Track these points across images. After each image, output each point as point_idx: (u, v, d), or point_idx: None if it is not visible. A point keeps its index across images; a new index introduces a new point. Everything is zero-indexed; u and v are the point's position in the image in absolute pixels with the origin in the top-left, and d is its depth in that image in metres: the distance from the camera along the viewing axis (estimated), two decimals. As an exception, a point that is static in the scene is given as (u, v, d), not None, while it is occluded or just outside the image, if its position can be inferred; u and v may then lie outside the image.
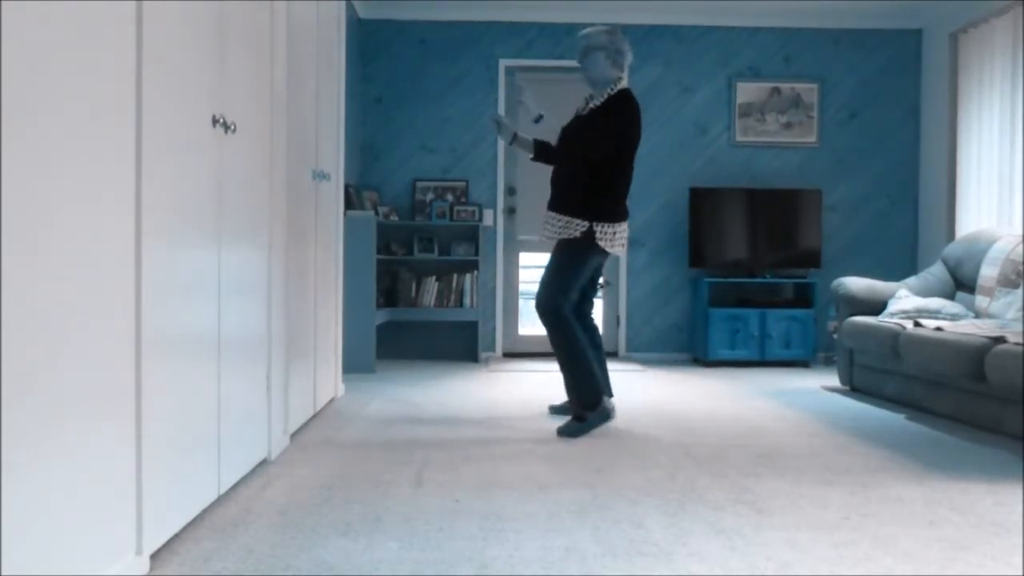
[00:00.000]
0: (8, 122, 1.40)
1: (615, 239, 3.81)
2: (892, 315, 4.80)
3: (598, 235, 3.76)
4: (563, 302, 3.78)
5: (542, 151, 4.02)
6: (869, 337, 4.67)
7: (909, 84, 6.70)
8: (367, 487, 2.77)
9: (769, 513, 2.52)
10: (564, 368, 3.80)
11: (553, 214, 3.87)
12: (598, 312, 7.03)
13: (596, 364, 3.83)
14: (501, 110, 6.59)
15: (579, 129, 3.84)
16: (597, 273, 4.04)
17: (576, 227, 3.77)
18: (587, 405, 3.73)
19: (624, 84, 3.85)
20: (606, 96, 3.81)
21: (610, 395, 3.96)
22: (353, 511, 2.51)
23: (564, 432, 3.65)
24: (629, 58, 3.91)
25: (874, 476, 2.98)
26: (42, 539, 1.54)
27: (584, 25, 6.54)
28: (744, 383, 5.32)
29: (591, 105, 3.87)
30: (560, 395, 4.58)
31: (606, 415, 3.75)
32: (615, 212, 3.81)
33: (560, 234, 3.82)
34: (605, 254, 3.85)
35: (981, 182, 5.87)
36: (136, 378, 1.92)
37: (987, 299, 4.73)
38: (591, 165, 3.76)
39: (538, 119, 3.95)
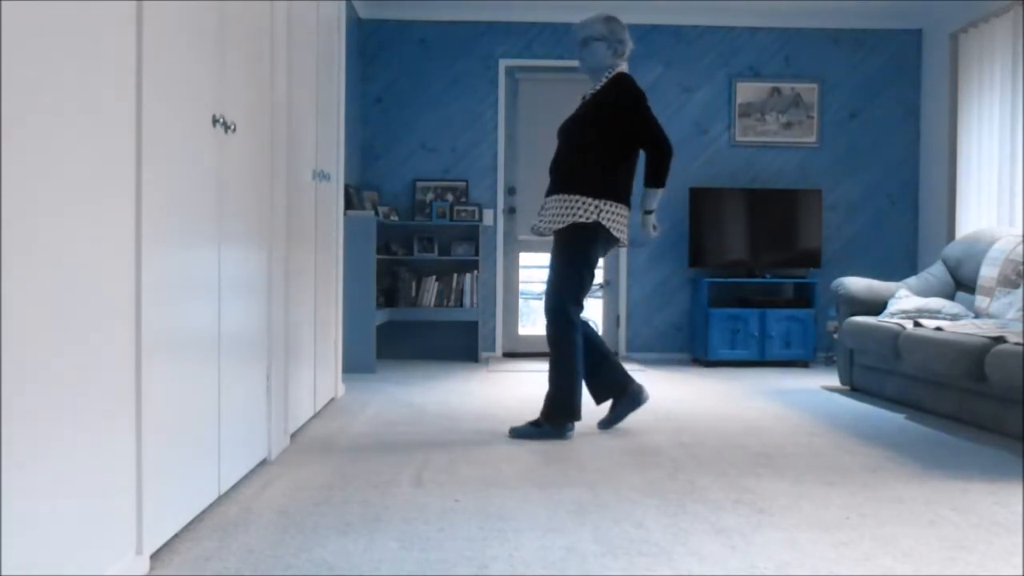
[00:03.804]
0: (8, 122, 1.40)
1: (622, 224, 3.67)
2: (892, 315, 4.80)
3: (605, 216, 3.60)
4: (573, 305, 3.67)
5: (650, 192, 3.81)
6: (869, 337, 4.67)
7: (909, 84, 6.70)
8: (367, 487, 2.77)
9: (769, 513, 2.52)
10: (552, 374, 3.69)
11: (555, 197, 3.68)
12: (598, 312, 7.04)
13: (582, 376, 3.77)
14: (501, 110, 6.59)
15: (583, 118, 3.71)
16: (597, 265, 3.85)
17: (584, 208, 3.59)
18: (553, 416, 3.64)
19: (620, 68, 3.76)
20: (604, 80, 3.73)
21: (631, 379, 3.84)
22: (353, 511, 2.51)
23: (515, 432, 3.63)
24: (630, 46, 3.80)
25: (874, 476, 2.98)
26: (42, 539, 1.54)
27: (584, 25, 6.57)
28: (744, 383, 5.32)
29: (591, 91, 3.77)
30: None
31: (562, 432, 3.62)
32: (621, 195, 3.67)
33: (564, 219, 3.62)
34: (613, 241, 3.69)
35: (981, 182, 5.87)
36: (136, 378, 1.92)
37: (987, 299, 4.73)
38: (597, 147, 3.63)
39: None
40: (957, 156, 6.21)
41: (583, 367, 3.76)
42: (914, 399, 4.39)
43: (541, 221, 3.77)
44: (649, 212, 3.77)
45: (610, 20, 3.77)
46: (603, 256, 3.85)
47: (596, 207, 3.60)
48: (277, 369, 3.17)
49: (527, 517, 2.46)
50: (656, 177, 3.69)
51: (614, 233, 3.65)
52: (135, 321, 1.91)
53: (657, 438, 3.62)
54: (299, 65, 3.55)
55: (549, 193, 3.76)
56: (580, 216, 3.61)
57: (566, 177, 3.69)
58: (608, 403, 3.88)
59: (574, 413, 3.67)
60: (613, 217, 3.64)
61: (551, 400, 3.68)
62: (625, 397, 3.81)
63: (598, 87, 3.76)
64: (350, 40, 5.79)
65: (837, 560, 2.12)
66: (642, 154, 3.73)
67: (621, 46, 3.77)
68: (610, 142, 3.66)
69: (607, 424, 3.82)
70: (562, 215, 3.65)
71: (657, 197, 3.75)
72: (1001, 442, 3.61)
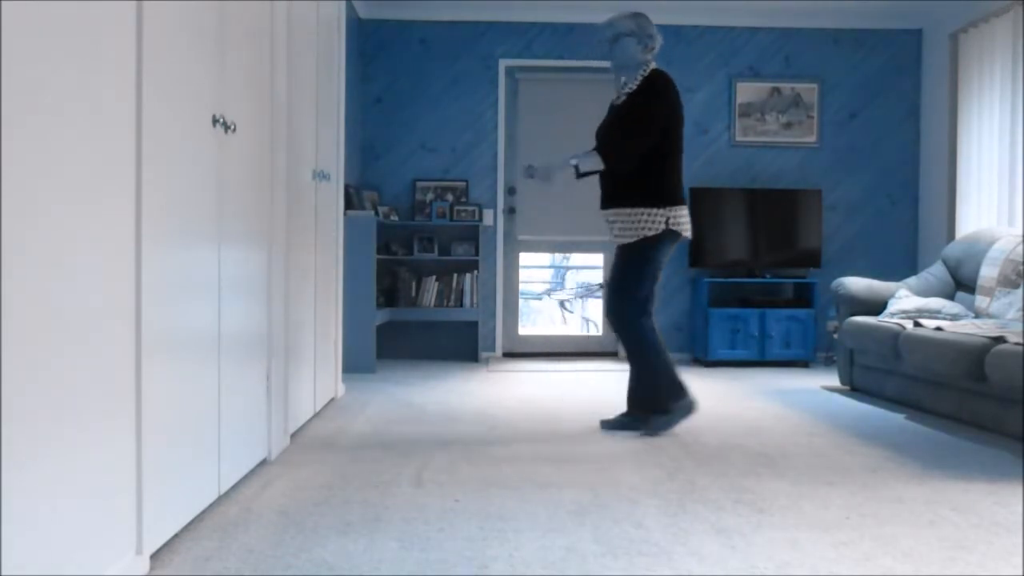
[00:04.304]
0: (8, 122, 1.40)
1: (687, 223, 3.73)
2: (892, 315, 4.80)
3: (673, 222, 3.65)
4: (635, 308, 3.67)
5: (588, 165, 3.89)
6: (869, 337, 4.67)
7: (909, 84, 6.70)
8: (367, 487, 2.77)
9: (769, 513, 2.52)
10: (644, 371, 3.71)
11: (623, 210, 3.68)
12: (598, 312, 7.04)
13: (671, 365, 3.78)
14: (501, 110, 6.59)
15: (616, 120, 3.73)
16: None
17: (655, 219, 3.62)
18: (672, 401, 3.66)
19: (654, 65, 3.75)
20: (639, 79, 3.71)
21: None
22: (353, 511, 2.51)
23: (655, 428, 3.65)
24: (660, 41, 3.78)
25: (874, 476, 2.98)
26: (42, 539, 1.54)
27: (584, 25, 6.56)
28: (744, 383, 5.32)
29: (626, 90, 3.76)
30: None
31: (688, 409, 3.68)
32: (678, 196, 3.71)
33: (636, 233, 3.65)
34: (677, 239, 3.72)
35: (981, 182, 5.87)
36: (136, 378, 1.92)
37: (987, 299, 4.73)
38: (651, 153, 3.63)
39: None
40: (957, 156, 6.21)
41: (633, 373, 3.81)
42: (914, 399, 4.39)
43: (615, 235, 3.75)
44: (577, 170, 3.69)
45: (637, 16, 3.78)
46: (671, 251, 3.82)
47: (663, 216, 3.64)
48: (277, 369, 3.17)
49: (527, 517, 2.46)
50: (605, 157, 3.66)
51: (683, 234, 3.72)
52: (135, 321, 1.91)
53: (657, 438, 3.61)
54: (299, 65, 3.55)
55: (608, 205, 3.74)
56: (651, 229, 3.64)
57: (623, 188, 3.69)
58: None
59: (678, 390, 3.68)
60: (679, 221, 3.69)
61: (648, 393, 3.69)
62: (647, 418, 3.80)
63: (633, 87, 3.73)
64: (350, 40, 5.79)
65: (837, 560, 2.12)
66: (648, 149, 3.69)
67: (651, 41, 3.76)
68: (661, 142, 3.66)
69: (609, 427, 3.82)
70: (632, 230, 3.66)
71: (593, 164, 3.67)
72: (1001, 442, 3.61)
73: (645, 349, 3.71)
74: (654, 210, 3.64)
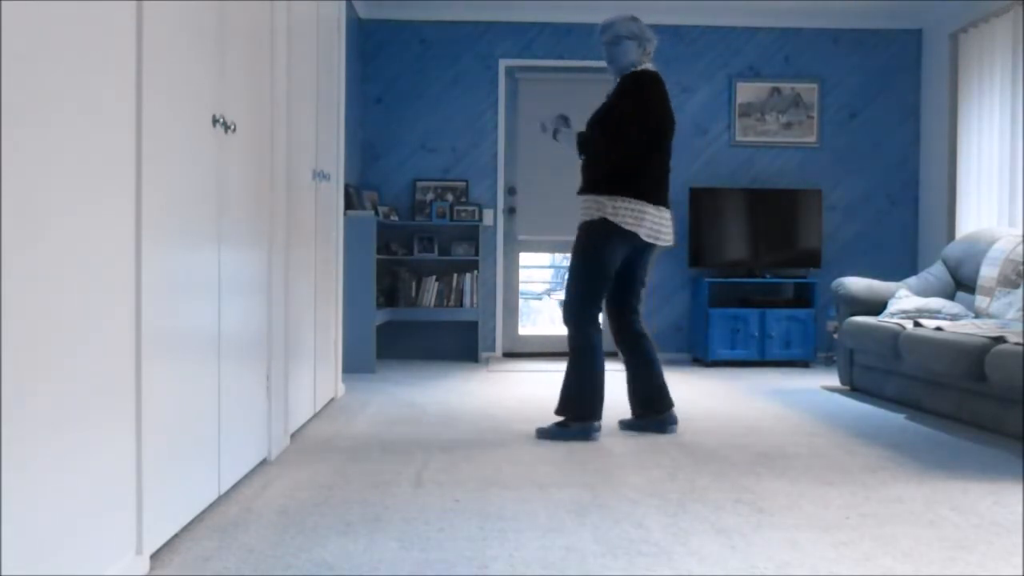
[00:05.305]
0: (8, 122, 1.40)
1: (637, 219, 3.54)
2: (892, 315, 4.80)
3: (620, 212, 3.52)
4: (587, 309, 3.61)
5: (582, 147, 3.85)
6: (869, 337, 4.67)
7: (909, 84, 6.70)
8: (367, 487, 2.77)
9: (769, 513, 2.52)
10: (569, 373, 3.63)
11: (580, 198, 3.68)
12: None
13: (635, 380, 3.73)
14: (501, 110, 6.59)
15: (596, 119, 3.72)
16: (639, 266, 3.74)
17: (596, 206, 3.58)
18: (574, 416, 3.58)
19: (646, 66, 3.71)
20: (619, 79, 3.71)
21: (671, 405, 3.75)
22: (353, 511, 2.51)
23: (542, 433, 3.61)
24: (655, 44, 3.77)
25: (874, 476, 2.98)
26: (42, 539, 1.54)
27: (584, 25, 6.56)
28: (744, 383, 5.32)
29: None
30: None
31: (587, 433, 3.55)
32: (643, 190, 3.56)
33: (581, 219, 3.65)
34: (629, 236, 3.56)
35: (981, 182, 5.87)
36: (136, 378, 1.92)
37: (987, 299, 4.73)
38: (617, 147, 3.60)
39: (555, 132, 3.88)
40: (957, 156, 6.21)
41: (630, 375, 3.78)
42: (914, 399, 4.39)
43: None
44: (554, 134, 3.88)
45: (636, 19, 3.77)
46: (629, 250, 3.66)
47: (600, 203, 3.58)
48: (277, 369, 3.17)
49: (527, 517, 2.46)
50: (583, 146, 3.72)
51: (623, 227, 3.52)
52: (135, 321, 1.91)
53: (657, 438, 3.62)
54: (299, 65, 3.55)
55: (579, 193, 3.76)
56: (592, 216, 3.60)
57: (586, 175, 3.71)
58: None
59: (594, 413, 3.59)
60: (624, 212, 3.53)
61: (568, 399, 3.62)
62: (657, 419, 3.75)
63: (614, 86, 3.75)
64: (350, 40, 5.79)
65: (837, 560, 2.12)
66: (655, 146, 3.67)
67: (650, 44, 3.76)
68: (631, 140, 3.62)
69: (627, 427, 3.80)
70: (581, 216, 3.67)
71: (570, 142, 3.78)
72: (1001, 442, 3.61)
73: (574, 351, 3.64)
74: (597, 197, 3.59)
